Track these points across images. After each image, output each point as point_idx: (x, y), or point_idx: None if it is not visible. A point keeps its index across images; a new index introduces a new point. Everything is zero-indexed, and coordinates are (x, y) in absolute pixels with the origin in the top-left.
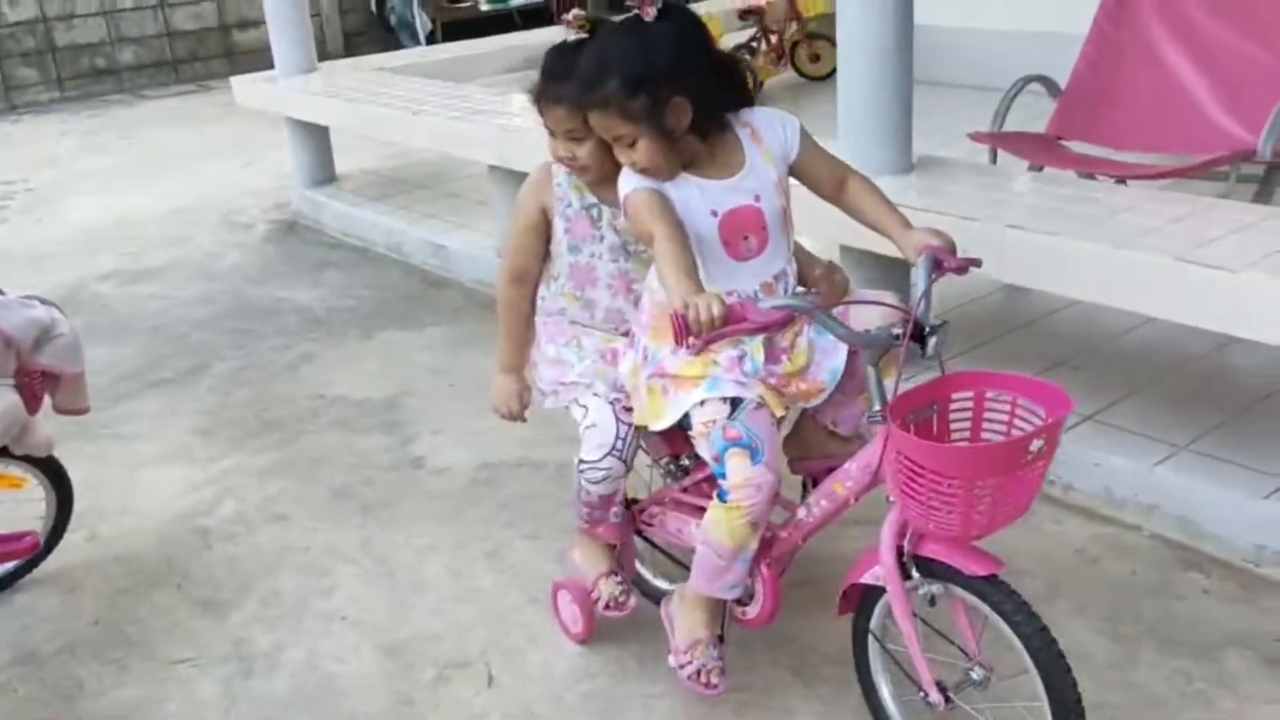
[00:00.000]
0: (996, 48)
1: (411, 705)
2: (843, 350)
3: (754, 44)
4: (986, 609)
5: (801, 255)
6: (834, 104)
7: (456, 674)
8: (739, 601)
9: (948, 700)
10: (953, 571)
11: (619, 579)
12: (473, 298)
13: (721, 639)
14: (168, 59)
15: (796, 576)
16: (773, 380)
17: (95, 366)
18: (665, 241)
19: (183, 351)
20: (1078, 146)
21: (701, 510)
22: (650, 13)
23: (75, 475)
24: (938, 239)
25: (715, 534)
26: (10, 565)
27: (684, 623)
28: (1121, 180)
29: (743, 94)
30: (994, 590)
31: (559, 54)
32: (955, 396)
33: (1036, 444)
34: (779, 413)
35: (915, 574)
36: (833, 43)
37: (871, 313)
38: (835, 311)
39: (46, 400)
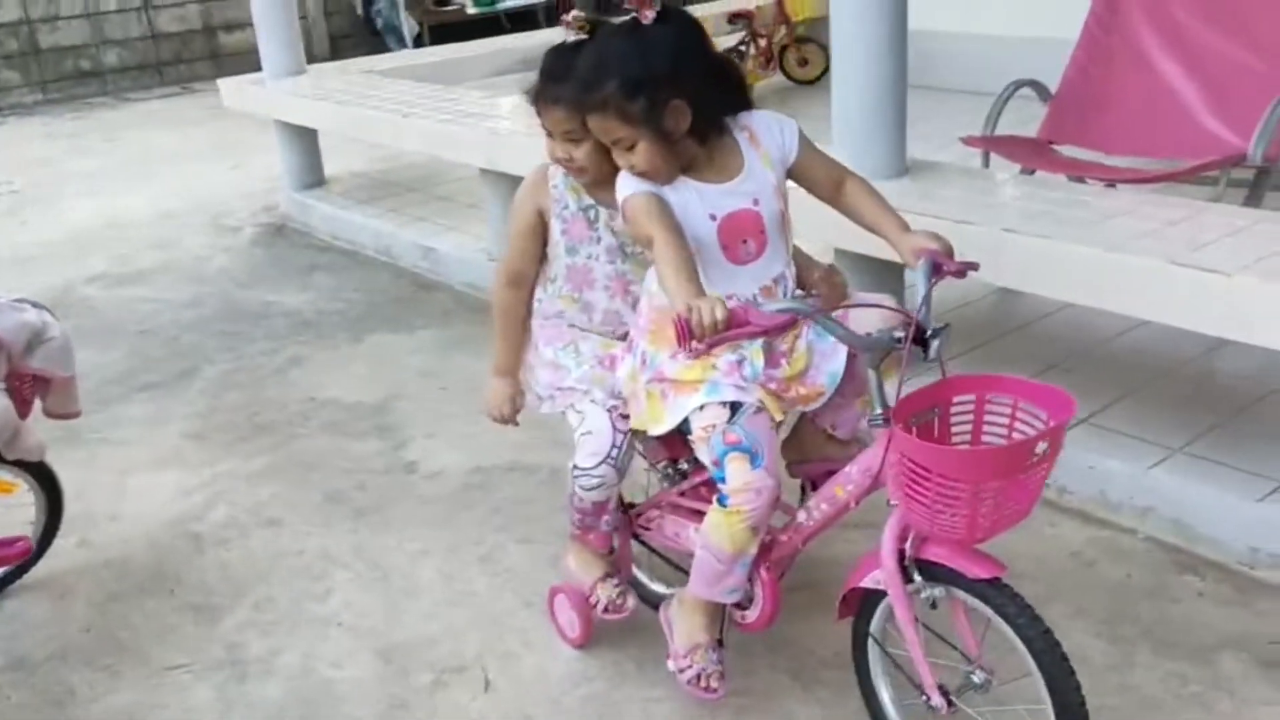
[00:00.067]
0: (987, 52)
1: (408, 710)
2: (842, 353)
3: (743, 48)
4: (989, 612)
5: (800, 258)
6: (823, 108)
7: (453, 678)
8: (738, 605)
9: (950, 704)
10: (955, 575)
11: (616, 582)
12: (463, 301)
13: (721, 643)
14: (152, 61)
15: (795, 580)
16: (772, 384)
17: (83, 370)
18: (665, 245)
19: (171, 355)
20: (1068, 151)
21: (700, 514)
22: (649, 15)
23: (65, 480)
24: (935, 242)
25: (715, 538)
26: (1, 571)
27: (683, 627)
28: (1111, 184)
29: (741, 97)
30: (997, 593)
31: (558, 55)
32: (956, 400)
33: (1041, 447)
34: (778, 417)
35: (917, 577)
36: (821, 47)
37: (870, 315)
38: (834, 314)
39: (37, 405)
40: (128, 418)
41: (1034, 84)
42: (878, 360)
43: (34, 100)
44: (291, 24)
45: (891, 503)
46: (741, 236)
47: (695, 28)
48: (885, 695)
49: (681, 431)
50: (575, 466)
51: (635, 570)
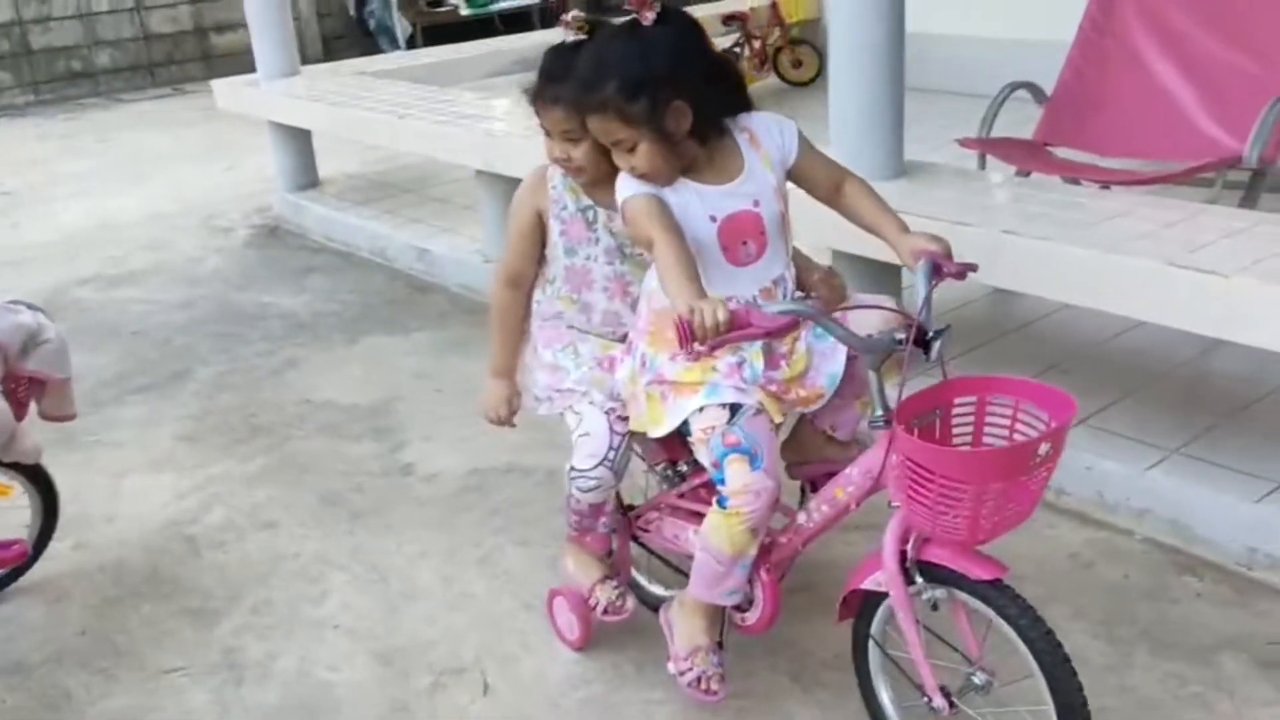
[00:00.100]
0: (981, 55)
1: (407, 713)
2: (841, 355)
3: (737, 50)
4: (990, 613)
5: (798, 259)
6: (817, 109)
7: (452, 681)
8: (738, 607)
9: (951, 705)
10: (957, 576)
11: (615, 583)
12: (458, 302)
13: (721, 645)
14: (144, 62)
15: (794, 582)
16: (772, 386)
17: (76, 371)
18: (665, 247)
19: (165, 357)
20: (1064, 153)
21: (699, 516)
22: (649, 16)
23: (60, 482)
24: (935, 244)
25: (714, 540)
26: None
27: (684, 629)
28: (1106, 185)
29: (741, 98)
30: (999, 595)
31: (557, 54)
32: (958, 401)
33: (1043, 448)
34: (778, 419)
35: (919, 579)
36: (815, 49)
37: (869, 317)
38: (835, 316)
39: (33, 407)
40: (122, 420)
41: (1029, 86)
42: (879, 362)
43: (26, 101)
44: (286, 25)
45: (893, 504)
46: (742, 238)
47: (695, 28)
48: (885, 697)
49: (681, 433)
50: (572, 468)
51: (634, 572)
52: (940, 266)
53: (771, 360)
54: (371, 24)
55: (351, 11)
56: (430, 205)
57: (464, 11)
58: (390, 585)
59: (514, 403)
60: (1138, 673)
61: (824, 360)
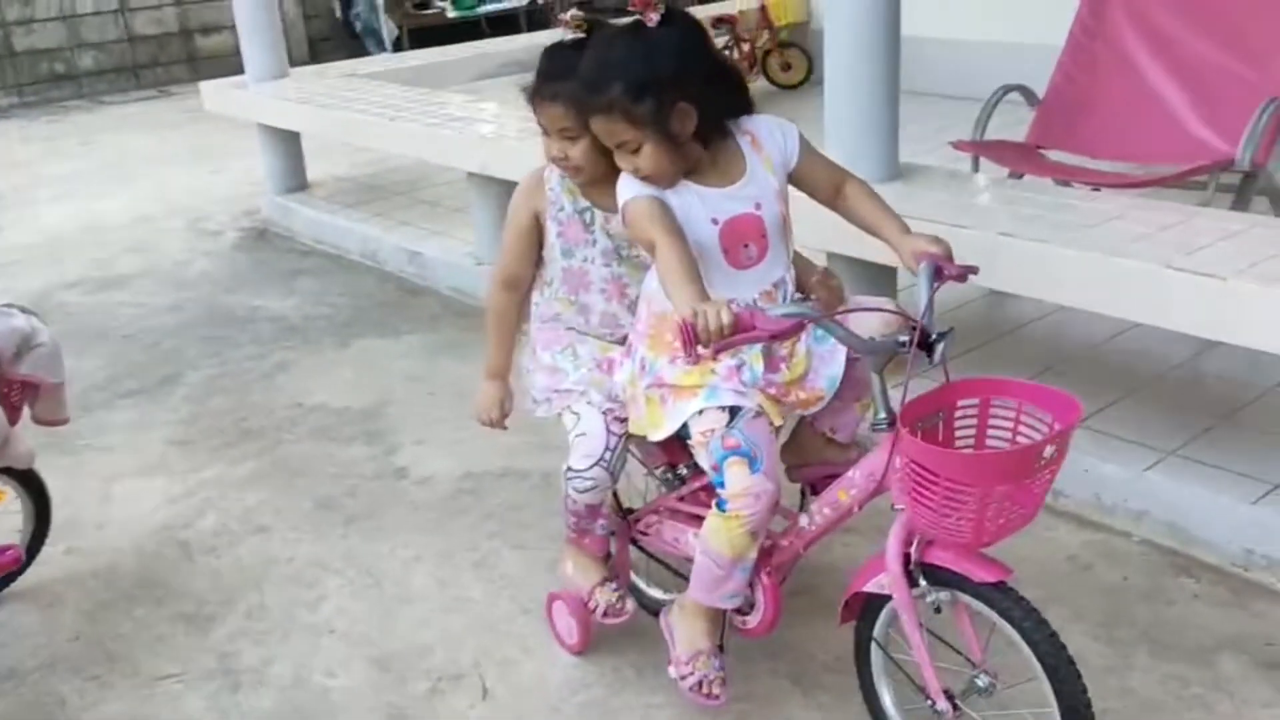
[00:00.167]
0: (972, 58)
1: (406, 718)
2: (841, 356)
3: (726, 53)
4: (994, 616)
5: (797, 261)
6: (807, 112)
7: (450, 686)
8: (739, 610)
9: (955, 708)
10: (960, 579)
11: (614, 585)
12: (450, 305)
13: (722, 648)
14: (129, 64)
15: (794, 585)
16: (771, 389)
17: (66, 376)
18: (668, 249)
19: (155, 360)
20: (1056, 155)
21: (699, 519)
22: (654, 18)
23: (51, 487)
24: (936, 246)
25: (714, 543)
26: None
27: (684, 633)
28: (1096, 188)
29: (743, 100)
30: (1002, 597)
31: (556, 52)
32: (961, 404)
33: (1048, 451)
34: (777, 421)
35: (922, 582)
36: (804, 52)
37: (870, 319)
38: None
39: (25, 412)
40: (112, 424)
41: (1021, 89)
42: (882, 364)
43: (9, 104)
44: (274, 27)
45: (896, 507)
46: (743, 241)
47: (699, 30)
48: (888, 699)
49: (681, 437)
50: (568, 468)
51: (634, 576)
52: (942, 269)
53: (771, 363)
54: (358, 26)
55: (338, 14)
56: (420, 208)
57: (450, 14)
58: (385, 590)
59: (506, 405)
60: (1138, 674)
61: (823, 362)
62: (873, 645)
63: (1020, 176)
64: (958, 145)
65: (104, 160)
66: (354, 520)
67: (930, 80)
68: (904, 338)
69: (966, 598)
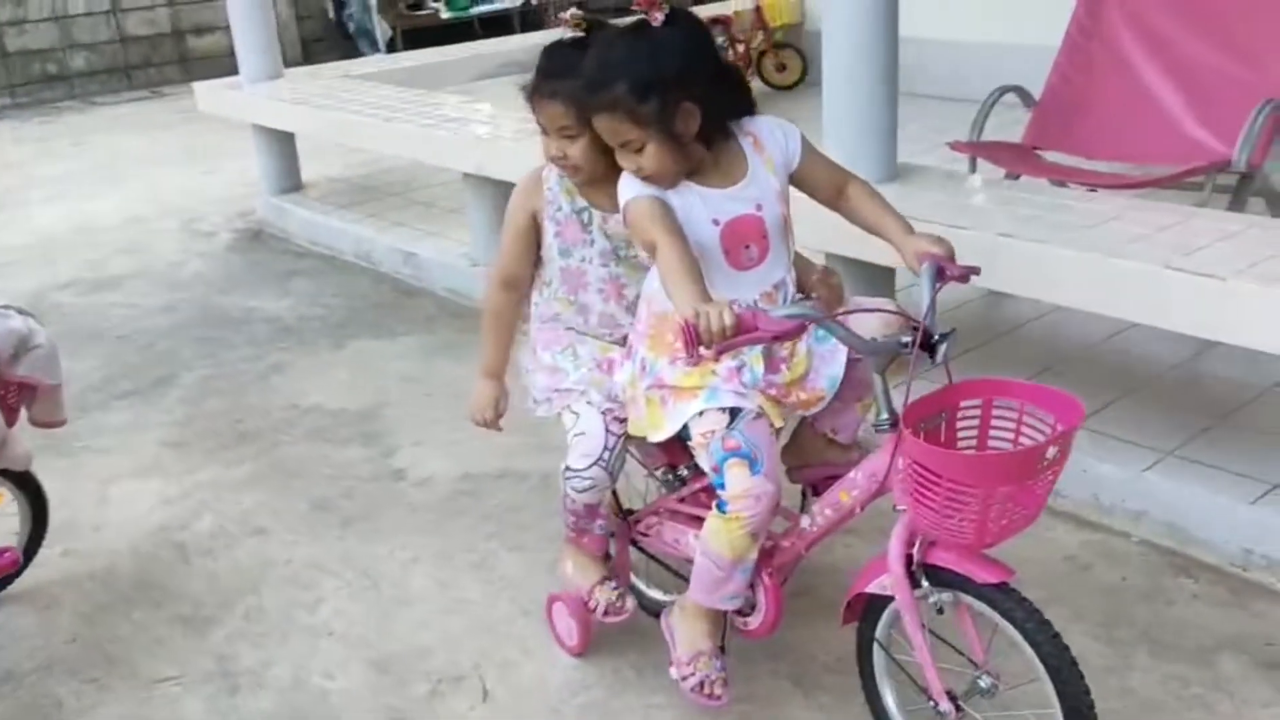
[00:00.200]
0: (967, 59)
1: None
2: (841, 357)
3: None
4: (996, 617)
5: (798, 262)
6: (802, 113)
7: (450, 688)
8: (740, 612)
9: (958, 709)
10: (963, 580)
11: (614, 585)
12: (445, 306)
13: (723, 649)
14: (121, 65)
15: (795, 585)
16: (772, 390)
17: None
18: (669, 250)
19: (149, 362)
20: (1052, 156)
21: (699, 520)
22: (658, 18)
23: (47, 489)
24: (938, 246)
25: (714, 545)
26: None
27: (686, 634)
28: (1093, 189)
29: (746, 101)
30: (1005, 598)
31: (556, 51)
32: (963, 404)
33: (1051, 452)
34: (778, 423)
35: (925, 583)
36: (799, 53)
37: (871, 320)
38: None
39: (23, 413)
40: (108, 425)
41: (1018, 90)
42: (884, 365)
43: (0, 105)
44: (268, 27)
45: (898, 508)
46: (744, 242)
47: (703, 30)
48: (890, 700)
49: (681, 438)
50: (567, 468)
51: (634, 577)
52: (944, 269)
53: (771, 364)
54: (351, 27)
55: (331, 14)
56: (415, 209)
57: (444, 15)
58: (383, 591)
59: (501, 405)
60: (1138, 674)
61: (824, 363)
62: (875, 646)
63: (1017, 177)
64: (955, 146)
65: (96, 161)
66: (351, 522)
67: (928, 81)
68: (906, 338)
69: (969, 599)
